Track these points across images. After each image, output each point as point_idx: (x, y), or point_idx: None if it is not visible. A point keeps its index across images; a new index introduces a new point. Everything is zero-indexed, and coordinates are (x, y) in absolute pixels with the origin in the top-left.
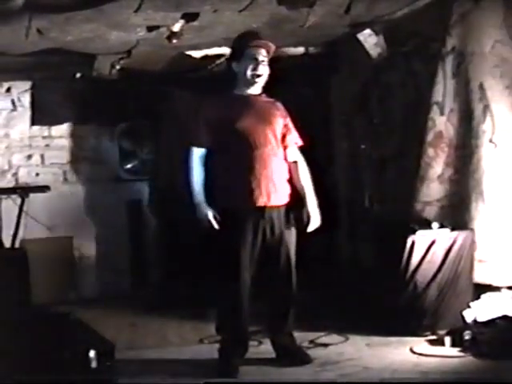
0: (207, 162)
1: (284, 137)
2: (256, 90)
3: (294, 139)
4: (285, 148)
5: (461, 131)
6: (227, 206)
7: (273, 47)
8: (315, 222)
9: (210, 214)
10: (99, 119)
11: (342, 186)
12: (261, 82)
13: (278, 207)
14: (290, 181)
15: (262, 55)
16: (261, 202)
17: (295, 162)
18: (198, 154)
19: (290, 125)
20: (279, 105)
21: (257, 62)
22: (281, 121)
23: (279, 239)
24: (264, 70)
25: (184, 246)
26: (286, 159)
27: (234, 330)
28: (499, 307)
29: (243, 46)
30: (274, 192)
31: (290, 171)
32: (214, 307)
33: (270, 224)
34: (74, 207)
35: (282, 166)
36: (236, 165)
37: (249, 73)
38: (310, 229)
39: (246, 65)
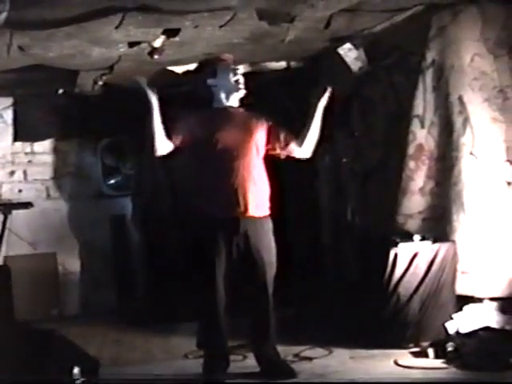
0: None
1: (278, 138)
2: (234, 102)
3: (289, 135)
4: (286, 146)
5: (441, 144)
6: (205, 216)
7: (232, 58)
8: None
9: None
10: (82, 135)
11: (324, 199)
12: (239, 94)
13: (255, 218)
14: (271, 194)
15: (234, 66)
16: (237, 212)
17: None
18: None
19: (276, 127)
20: (259, 115)
21: (233, 71)
22: (262, 130)
23: (255, 252)
24: (241, 82)
25: (167, 260)
26: (265, 170)
27: (212, 344)
28: (482, 318)
29: (214, 62)
30: (251, 203)
31: (271, 184)
32: (196, 322)
33: (246, 236)
34: (58, 223)
35: (261, 178)
36: (214, 176)
37: (230, 81)
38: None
39: (224, 76)
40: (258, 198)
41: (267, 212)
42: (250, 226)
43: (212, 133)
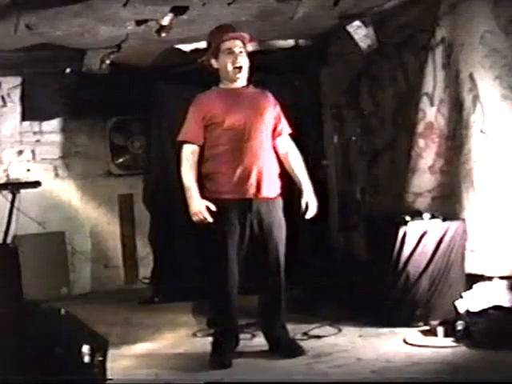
0: (200, 155)
1: (276, 126)
2: (241, 82)
3: (285, 128)
4: (277, 136)
5: (451, 122)
6: (216, 197)
7: (247, 37)
8: (312, 209)
9: (203, 207)
10: (90, 114)
11: (333, 177)
12: (243, 74)
13: (268, 199)
14: (281, 174)
15: (239, 47)
16: (250, 193)
17: (288, 151)
18: (190, 149)
19: (281, 114)
20: (268, 94)
21: (235, 55)
22: (271, 111)
23: (268, 232)
24: (243, 62)
25: (177, 239)
26: (276, 149)
27: (223, 322)
28: (491, 297)
29: (218, 40)
30: (263, 184)
31: (280, 163)
32: (207, 300)
33: (259, 216)
34: (66, 202)
35: (272, 159)
36: (226, 157)
37: (229, 66)
38: (308, 216)
39: (225, 59)
40: (269, 178)
41: (278, 192)
42: (263, 206)
43: (223, 114)
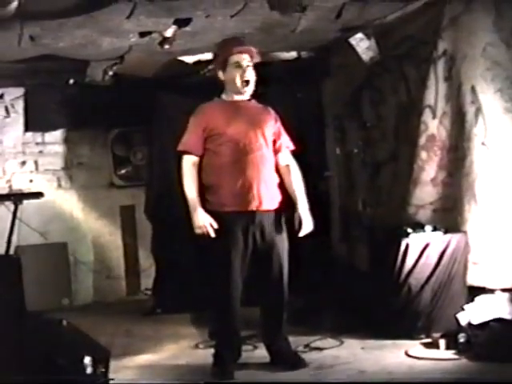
0: (200, 166)
1: (275, 141)
2: (245, 95)
3: (286, 143)
4: (276, 152)
5: (453, 134)
6: (218, 209)
7: (255, 51)
8: (307, 226)
9: (207, 221)
10: (93, 125)
11: (335, 189)
12: (250, 88)
13: (269, 212)
14: (281, 185)
15: (247, 61)
16: (252, 206)
17: (287, 166)
18: (190, 160)
19: (281, 129)
20: (270, 110)
21: (243, 69)
22: (272, 125)
23: (271, 244)
24: (250, 76)
25: (179, 251)
26: (277, 164)
27: (226, 334)
28: (493, 309)
29: (226, 53)
30: (265, 196)
31: (280, 176)
32: (208, 312)
33: (261, 228)
34: (68, 213)
35: (273, 171)
36: (227, 170)
37: (237, 80)
38: (302, 233)
39: (233, 72)
40: (271, 191)
41: (280, 204)
42: (265, 218)
43: (225, 127)
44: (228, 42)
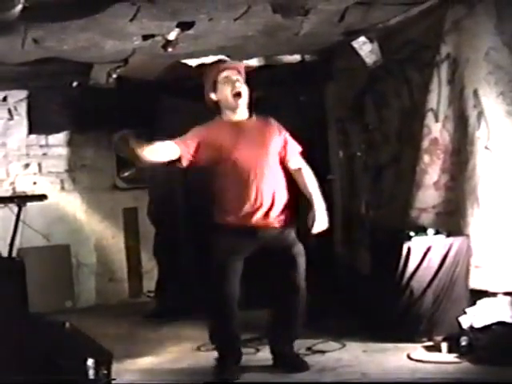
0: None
1: (285, 151)
2: (243, 112)
3: (294, 149)
4: (286, 161)
5: (456, 138)
6: (225, 223)
7: (242, 66)
8: (322, 223)
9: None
10: (96, 128)
11: (338, 192)
12: (244, 101)
13: (278, 228)
14: (290, 202)
15: (234, 75)
16: (260, 224)
17: (299, 169)
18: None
19: (287, 137)
20: (272, 123)
21: (232, 83)
22: (278, 139)
23: (287, 248)
24: (242, 89)
25: (182, 253)
26: (289, 170)
27: (224, 339)
28: (495, 313)
29: (214, 73)
30: (273, 216)
31: (295, 181)
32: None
33: (273, 242)
34: (72, 215)
35: (280, 189)
36: (232, 189)
37: (229, 94)
38: (315, 230)
39: (223, 89)
40: (279, 210)
41: (289, 222)
42: (274, 235)
43: (227, 152)
44: (213, 64)
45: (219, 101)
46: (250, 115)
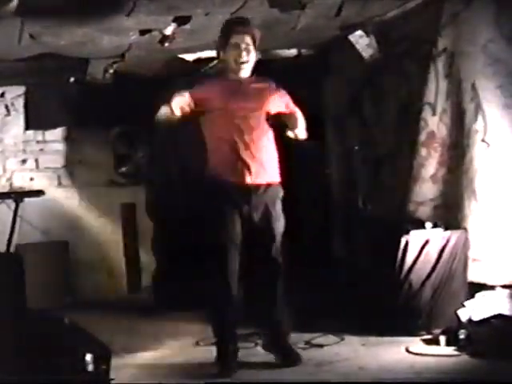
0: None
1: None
2: (245, 73)
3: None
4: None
5: (453, 131)
6: (218, 178)
7: (257, 34)
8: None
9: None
10: (93, 123)
11: (335, 186)
12: (247, 67)
13: (270, 185)
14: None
15: (246, 42)
16: (250, 179)
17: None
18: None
19: (289, 102)
20: (271, 85)
21: (240, 50)
22: (274, 101)
23: (267, 222)
24: (249, 57)
25: (180, 249)
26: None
27: (225, 324)
28: (494, 306)
29: (227, 34)
30: (261, 171)
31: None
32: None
33: (259, 202)
34: (69, 211)
35: (272, 148)
36: (226, 147)
37: (232, 61)
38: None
39: (231, 53)
40: (271, 165)
41: (278, 179)
42: (264, 192)
43: (225, 104)
44: (229, 23)
45: (224, 60)
46: (252, 75)
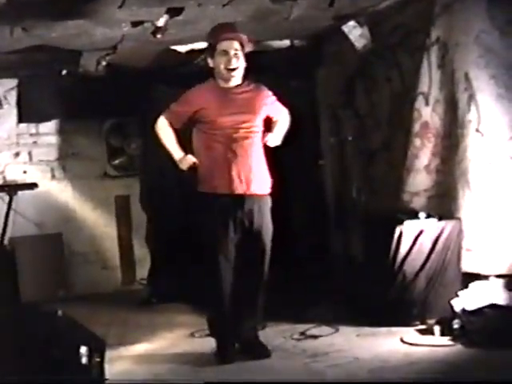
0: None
1: (272, 115)
2: (236, 81)
3: (281, 111)
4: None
5: (447, 121)
6: (209, 191)
7: (245, 38)
8: (277, 139)
9: (192, 159)
10: (86, 116)
11: (329, 177)
12: (238, 75)
13: (259, 196)
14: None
15: (234, 48)
16: (241, 190)
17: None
18: (166, 122)
19: (277, 105)
20: (263, 91)
21: (229, 57)
22: (266, 107)
23: (257, 229)
24: (238, 63)
25: (174, 240)
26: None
27: (221, 317)
28: (487, 296)
29: (215, 40)
30: (253, 181)
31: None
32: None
33: (249, 212)
34: (63, 204)
35: (262, 158)
36: (217, 156)
37: (222, 67)
38: (270, 141)
39: (219, 60)
40: (261, 176)
41: (268, 191)
42: (253, 203)
43: (215, 117)
44: (217, 29)
45: (214, 68)
46: (243, 81)
